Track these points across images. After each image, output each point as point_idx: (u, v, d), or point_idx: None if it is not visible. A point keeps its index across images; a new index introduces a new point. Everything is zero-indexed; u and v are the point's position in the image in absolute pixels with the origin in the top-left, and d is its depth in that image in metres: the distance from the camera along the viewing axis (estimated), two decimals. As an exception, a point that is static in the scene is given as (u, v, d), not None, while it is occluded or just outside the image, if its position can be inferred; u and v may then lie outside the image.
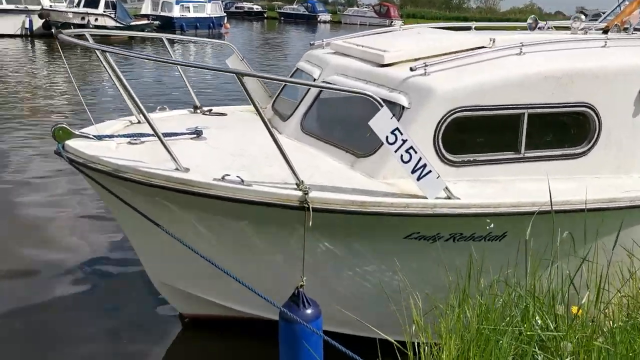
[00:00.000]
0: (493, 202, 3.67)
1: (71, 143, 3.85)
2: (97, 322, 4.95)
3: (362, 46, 4.66)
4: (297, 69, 5.43)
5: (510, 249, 3.86)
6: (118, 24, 33.51)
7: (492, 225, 3.61)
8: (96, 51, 3.88)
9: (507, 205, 3.69)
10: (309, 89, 4.70)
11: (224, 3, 74.80)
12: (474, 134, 4.16)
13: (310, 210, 3.39)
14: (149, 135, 4.19)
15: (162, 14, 40.30)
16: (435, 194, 3.62)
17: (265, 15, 73.68)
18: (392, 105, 4.00)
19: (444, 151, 3.97)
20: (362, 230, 3.74)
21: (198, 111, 5.39)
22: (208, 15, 43.40)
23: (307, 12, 71.28)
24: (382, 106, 3.42)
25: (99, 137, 4.06)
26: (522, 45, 4.27)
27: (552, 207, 3.34)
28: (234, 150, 4.19)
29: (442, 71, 4.09)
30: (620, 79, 4.27)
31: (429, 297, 3.36)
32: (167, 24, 39.31)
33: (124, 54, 3.57)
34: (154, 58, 3.56)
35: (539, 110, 4.10)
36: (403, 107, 3.98)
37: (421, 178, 3.56)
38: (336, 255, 3.86)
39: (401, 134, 3.47)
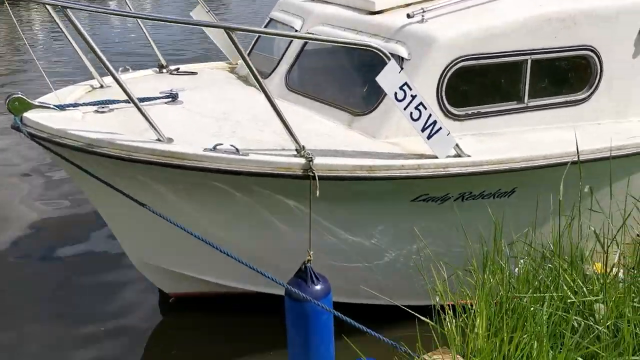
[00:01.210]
0: (505, 158, 3.44)
1: (30, 115, 3.35)
2: (66, 307, 4.56)
3: (347, -9, 4.25)
4: (272, 19, 4.96)
5: (520, 205, 3.68)
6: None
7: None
8: (48, 7, 3.36)
9: (519, 160, 3.47)
10: (291, 41, 4.29)
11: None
12: (476, 85, 3.88)
13: (317, 178, 3.07)
14: (118, 102, 3.72)
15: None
16: (447, 152, 3.35)
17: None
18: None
19: (447, 104, 3.68)
20: (366, 195, 3.46)
21: (164, 70, 4.88)
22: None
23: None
24: (389, 59, 3.08)
25: (62, 107, 3.56)
26: (520, -15, 3.97)
27: (578, 158, 3.12)
28: (217, 114, 3.77)
29: (441, 17, 3.75)
30: (622, 19, 4.04)
31: (446, 264, 3.15)
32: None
33: (89, 9, 3.05)
34: (124, 13, 3.07)
35: (542, 56, 3.85)
36: (402, 59, 3.64)
37: (432, 136, 3.28)
38: (339, 223, 3.57)
39: (410, 89, 3.15)
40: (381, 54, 3.07)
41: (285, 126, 3.05)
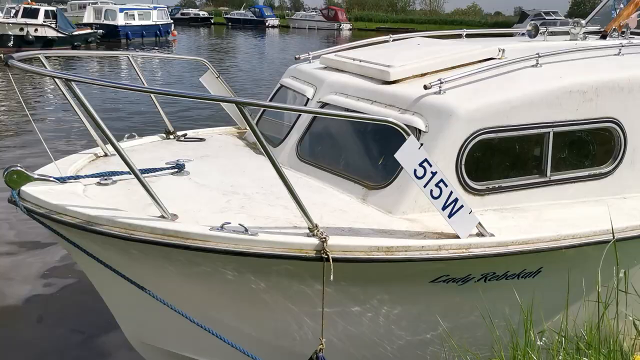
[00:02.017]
0: (532, 238, 3.22)
1: (28, 189, 3.17)
2: None
3: (361, 61, 4.15)
4: (282, 85, 4.87)
5: (546, 286, 3.44)
6: (60, 34, 31.99)
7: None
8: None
9: (546, 240, 3.25)
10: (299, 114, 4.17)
11: (169, 10, 73.39)
12: (497, 158, 3.71)
13: (331, 260, 2.85)
14: (122, 173, 3.55)
15: (106, 22, 38.80)
16: (469, 231, 3.14)
17: (212, 21, 72.48)
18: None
19: (467, 179, 3.50)
20: (382, 278, 3.23)
21: (171, 137, 4.75)
22: (154, 23, 42.11)
23: (254, 17, 70.59)
24: (408, 135, 2.92)
25: (62, 179, 3.39)
26: (539, 56, 3.86)
27: (613, 236, 2.91)
28: (225, 186, 3.60)
29: (459, 88, 3.63)
30: (645, 90, 3.92)
31: (469, 352, 2.89)
32: (111, 33, 37.90)
33: (96, 83, 2.92)
34: (135, 87, 2.93)
35: (564, 129, 3.70)
36: (419, 131, 3.49)
37: (453, 215, 3.08)
38: (353, 306, 3.32)
39: (430, 165, 2.97)
40: (400, 130, 2.91)
41: (298, 203, 2.86)
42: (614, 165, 3.91)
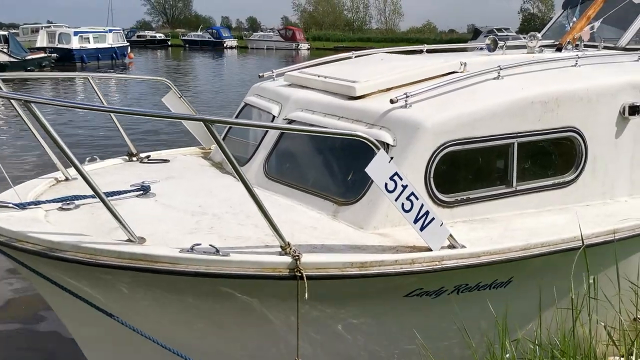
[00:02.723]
0: (503, 248, 3.25)
1: (-15, 216, 3.03)
2: None
3: (325, 77, 4.15)
4: (246, 104, 4.83)
5: (517, 295, 3.48)
6: (12, 59, 31.16)
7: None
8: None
9: (517, 249, 3.28)
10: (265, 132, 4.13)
11: (125, 32, 72.54)
12: (464, 170, 3.76)
13: (305, 278, 2.80)
14: (85, 197, 3.43)
15: (60, 46, 38.04)
16: (441, 244, 3.15)
17: (169, 43, 71.88)
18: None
19: (436, 191, 3.52)
20: (357, 294, 3.19)
21: (134, 159, 4.64)
22: (110, 45, 41.51)
23: (212, 39, 70.33)
24: (378, 149, 2.91)
25: (22, 205, 3.26)
26: (500, 69, 3.94)
27: (583, 244, 2.96)
28: (193, 207, 3.52)
29: (424, 101, 3.66)
30: (602, 99, 4.04)
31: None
32: (66, 57, 37.18)
33: (54, 103, 2.82)
34: (93, 107, 2.84)
35: (527, 139, 3.77)
36: (387, 145, 3.49)
37: (424, 228, 3.08)
38: (327, 323, 3.27)
39: (401, 179, 2.97)
40: (370, 144, 2.90)
41: (269, 222, 2.81)
42: (576, 174, 4.00)
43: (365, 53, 5.35)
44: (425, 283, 3.25)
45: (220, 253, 2.81)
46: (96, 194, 2.78)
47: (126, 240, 2.90)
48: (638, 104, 4.10)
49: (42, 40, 38.43)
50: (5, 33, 32.22)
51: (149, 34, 76.16)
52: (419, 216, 3.06)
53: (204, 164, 4.63)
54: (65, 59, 36.92)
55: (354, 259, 2.93)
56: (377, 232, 3.34)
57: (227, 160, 2.73)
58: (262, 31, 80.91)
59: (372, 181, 3.42)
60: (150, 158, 4.68)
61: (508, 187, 3.77)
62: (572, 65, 4.37)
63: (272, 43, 68.97)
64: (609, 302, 3.13)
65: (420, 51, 5.70)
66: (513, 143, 3.72)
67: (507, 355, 2.92)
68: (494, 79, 3.97)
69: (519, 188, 3.79)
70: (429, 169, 3.47)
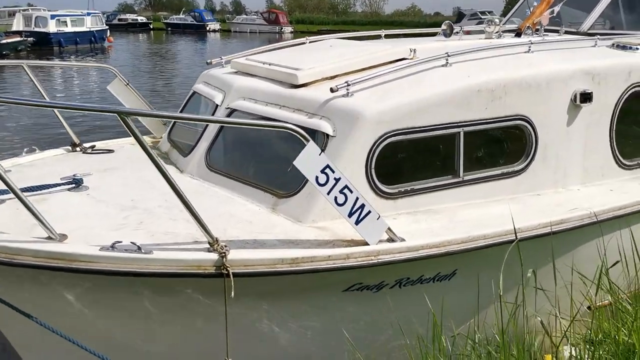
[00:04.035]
0: (442, 241, 3.16)
1: None
2: None
3: (270, 64, 4.01)
4: (194, 92, 4.68)
5: (463, 288, 3.41)
6: (-15, 43, 30.56)
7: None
8: None
9: (456, 242, 3.20)
10: (214, 114, 4.00)
11: (105, 15, 71.31)
12: (409, 160, 3.66)
13: (231, 276, 2.70)
14: (6, 192, 3.28)
15: (37, 29, 37.28)
16: (378, 237, 3.06)
17: (151, 27, 70.82)
18: (313, 133, 3.41)
19: (378, 183, 3.42)
20: (292, 290, 3.10)
21: (78, 149, 4.48)
22: (88, 29, 40.74)
23: (195, 22, 69.41)
24: (308, 140, 2.80)
25: (-58, 201, 3.11)
26: (448, 56, 3.83)
27: (516, 237, 2.90)
28: (125, 201, 3.39)
29: (367, 90, 3.54)
30: (553, 86, 3.95)
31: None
32: (43, 41, 36.46)
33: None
34: (22, 101, 2.69)
35: (474, 128, 3.67)
36: (327, 135, 3.38)
37: (360, 221, 2.98)
38: (262, 321, 3.18)
39: (333, 171, 2.87)
40: (299, 136, 2.79)
41: (194, 216, 2.69)
42: (526, 163, 3.92)
43: (320, 38, 5.21)
44: (363, 277, 3.17)
45: (143, 251, 2.69)
46: (9, 187, 2.64)
47: (46, 238, 2.78)
48: (589, 91, 4.02)
49: (18, 24, 37.64)
50: (-22, 17, 31.45)
51: (130, 17, 74.95)
52: (354, 209, 2.96)
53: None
54: (42, 43, 36.22)
55: (285, 255, 2.83)
56: (316, 226, 3.24)
57: (145, 153, 2.60)
58: (246, 15, 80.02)
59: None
60: (95, 148, 4.53)
61: (455, 178, 3.69)
62: (524, 52, 4.27)
63: (256, 27, 68.19)
64: (563, 291, 3.08)
65: (379, 37, 5.57)
66: (459, 132, 3.62)
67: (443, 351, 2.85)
68: (442, 66, 3.86)
69: (466, 178, 3.70)
70: (369, 160, 3.37)
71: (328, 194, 2.87)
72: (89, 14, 42.13)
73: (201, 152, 3.89)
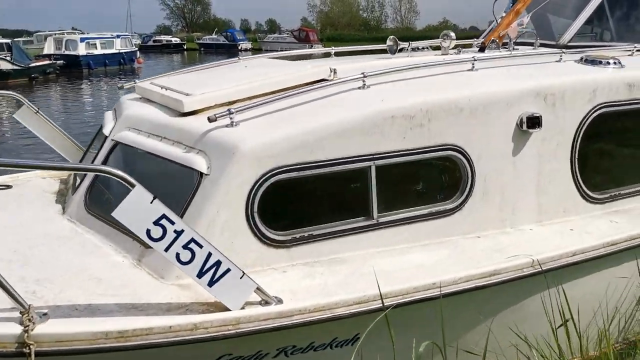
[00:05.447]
0: (324, 304, 2.58)
1: None
2: None
3: (166, 88, 3.53)
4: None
5: (371, 353, 2.81)
6: (15, 67, 31.26)
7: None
8: None
9: (350, 303, 2.62)
10: (102, 146, 3.54)
11: (141, 37, 72.81)
12: (306, 201, 3.10)
13: (32, 355, 2.19)
14: None
15: (67, 52, 38.11)
16: (242, 301, 2.51)
17: (185, 47, 72.07)
18: (187, 171, 2.90)
19: (263, 229, 2.87)
20: None
21: (-22, 184, 4.08)
22: (117, 51, 41.45)
23: (227, 42, 70.35)
24: (133, 186, 2.29)
25: None
26: (364, 76, 3.27)
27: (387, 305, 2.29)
28: None
29: (257, 118, 3.02)
30: (493, 109, 3.34)
31: None
32: (73, 63, 37.22)
33: None
34: None
35: (389, 161, 3.09)
36: (201, 174, 2.86)
37: (215, 282, 2.44)
38: None
39: (172, 223, 2.34)
40: (121, 181, 2.29)
41: None
42: (461, 200, 3.31)
43: (253, 57, 4.71)
44: (235, 348, 2.61)
45: None
46: None
47: None
48: (538, 115, 3.39)
49: (49, 48, 38.55)
50: (8, 41, 32.25)
51: (164, 38, 76.53)
52: (206, 268, 2.42)
53: (51, 190, 4.03)
54: (72, 66, 36.95)
55: (112, 327, 2.31)
56: (178, 284, 2.71)
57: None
58: (281, 33, 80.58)
59: (182, 216, 2.81)
60: (-6, 184, 4.11)
61: (367, 220, 3.11)
62: (468, 69, 3.68)
63: (286, 45, 68.53)
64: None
65: (328, 54, 5.05)
66: (370, 167, 3.05)
67: None
68: (359, 88, 3.31)
69: (381, 220, 3.12)
70: (250, 202, 2.82)
71: (166, 250, 2.34)
72: (118, 36, 42.93)
73: (82, 191, 3.41)
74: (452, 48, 4.56)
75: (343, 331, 2.78)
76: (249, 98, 3.32)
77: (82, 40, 39.19)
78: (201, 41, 73.84)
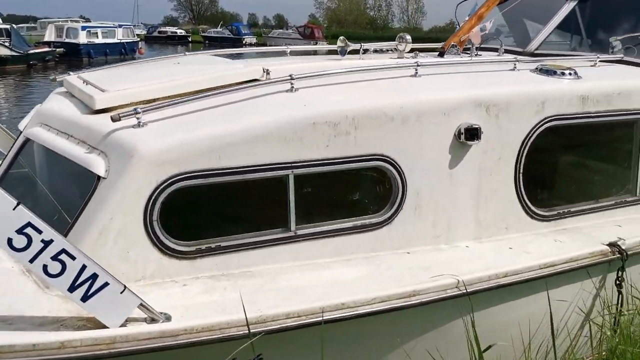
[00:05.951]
0: (221, 322, 2.39)
1: None
2: None
3: (87, 83, 3.33)
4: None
5: None
6: (14, 53, 31.17)
7: None
8: None
9: (242, 324, 2.42)
10: (15, 142, 3.35)
11: (146, 28, 72.64)
12: (215, 210, 2.90)
13: None
14: None
15: (67, 40, 37.97)
16: (121, 318, 2.31)
17: (190, 39, 71.88)
18: (89, 173, 2.71)
19: (163, 238, 2.68)
20: None
21: None
22: (119, 41, 41.28)
23: (232, 35, 70.10)
24: (-15, 191, 2.09)
25: None
26: (292, 79, 3.07)
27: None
28: None
29: (166, 120, 2.82)
30: (427, 119, 3.13)
31: None
32: (73, 52, 37.09)
33: None
34: None
35: (310, 170, 2.89)
36: (98, 177, 2.66)
37: (90, 297, 2.24)
38: None
39: (40, 232, 2.14)
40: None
41: None
42: (390, 213, 3.11)
43: (196, 53, 4.51)
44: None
45: None
46: None
47: None
48: (477, 126, 3.18)
49: (49, 35, 38.41)
50: (8, 26, 32.11)
51: (170, 29, 76.47)
52: (79, 282, 2.22)
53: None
54: (72, 54, 36.83)
55: None
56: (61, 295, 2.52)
57: None
58: (285, 29, 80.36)
59: (74, 222, 2.63)
60: None
61: (284, 232, 2.91)
62: (411, 75, 3.47)
63: (291, 41, 68.30)
64: None
65: (284, 53, 4.84)
66: (287, 175, 2.85)
67: None
68: (286, 91, 3.11)
69: (299, 232, 2.92)
70: (149, 210, 2.63)
71: (31, 261, 2.14)
72: (120, 25, 42.75)
73: None
74: (409, 52, 4.35)
75: (244, 352, 2.58)
76: (170, 97, 3.12)
77: (83, 28, 39.02)
78: (206, 34, 73.57)
